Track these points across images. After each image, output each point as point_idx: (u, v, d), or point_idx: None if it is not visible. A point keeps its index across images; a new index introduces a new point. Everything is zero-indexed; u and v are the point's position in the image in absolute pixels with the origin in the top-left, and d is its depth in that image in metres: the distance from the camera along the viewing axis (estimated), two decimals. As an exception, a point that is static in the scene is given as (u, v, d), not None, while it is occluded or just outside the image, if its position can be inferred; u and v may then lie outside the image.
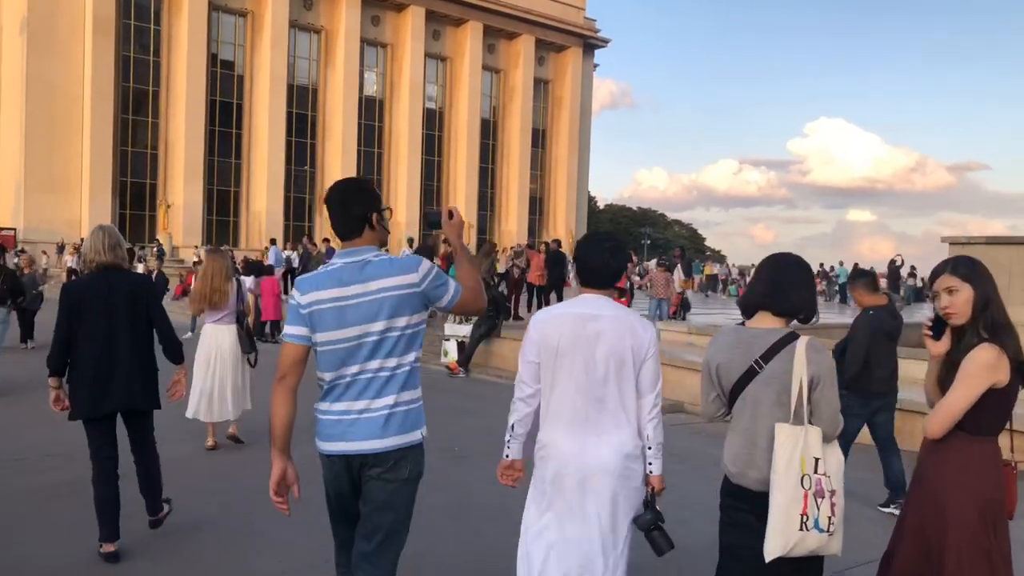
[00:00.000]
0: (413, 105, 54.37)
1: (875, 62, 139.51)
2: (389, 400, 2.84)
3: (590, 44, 63.95)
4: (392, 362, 2.85)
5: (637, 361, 2.97)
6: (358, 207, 2.91)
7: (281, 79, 49.31)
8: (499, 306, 13.71)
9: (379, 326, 2.82)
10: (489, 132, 59.31)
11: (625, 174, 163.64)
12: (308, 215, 51.95)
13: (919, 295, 31.71)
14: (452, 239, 3.05)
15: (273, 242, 24.38)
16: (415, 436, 2.90)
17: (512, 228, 58.45)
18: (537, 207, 61.88)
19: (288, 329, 2.92)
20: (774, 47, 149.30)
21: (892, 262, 32.23)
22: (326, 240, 25.41)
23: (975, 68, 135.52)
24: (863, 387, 6.17)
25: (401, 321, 2.85)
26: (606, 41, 65.47)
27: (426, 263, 2.91)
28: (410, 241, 24.99)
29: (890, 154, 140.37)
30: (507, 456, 3.19)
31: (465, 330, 13.67)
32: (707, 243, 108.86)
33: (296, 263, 22.39)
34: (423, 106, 55.50)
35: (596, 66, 66.74)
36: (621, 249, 3.14)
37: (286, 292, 22.06)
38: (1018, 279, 10.87)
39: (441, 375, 13.14)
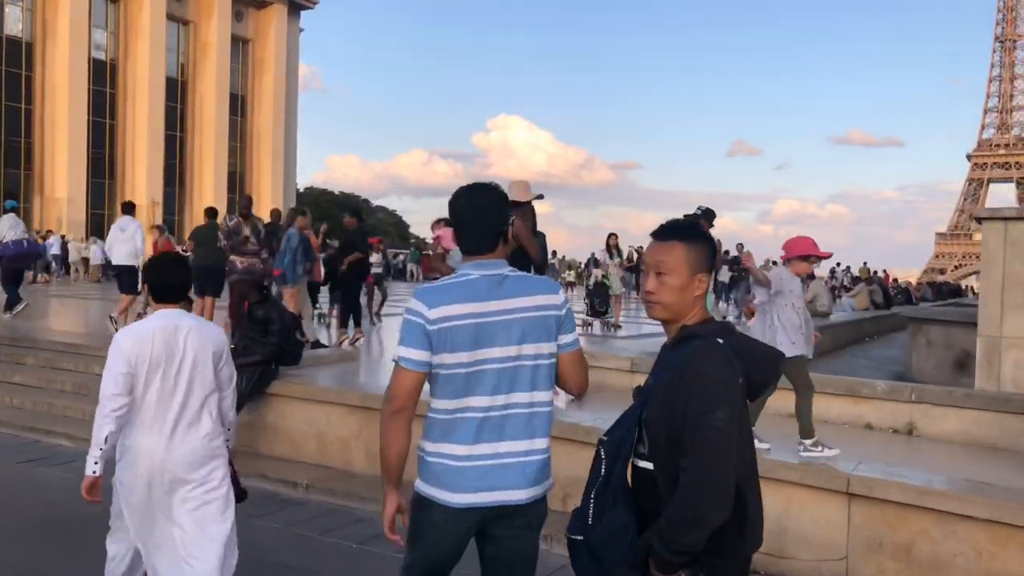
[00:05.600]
0: (76, 52, 44.47)
1: (547, 62, 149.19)
2: (540, 443, 2.51)
3: (296, 3, 56.94)
4: (541, 396, 2.51)
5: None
6: (498, 220, 2.52)
7: None
8: (287, 333, 7.11)
9: (528, 349, 2.46)
10: (177, 94, 50.44)
11: (317, 159, 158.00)
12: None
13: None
14: None
15: None
16: (550, 481, 2.59)
17: (208, 206, 49.81)
18: (237, 183, 53.62)
19: (405, 351, 2.44)
20: (461, 40, 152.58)
21: (606, 242, 30.37)
22: None
23: (633, 75, 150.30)
24: None
25: (546, 347, 2.50)
26: (314, 2, 58.84)
27: (561, 288, 2.61)
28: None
29: (563, 151, 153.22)
30: None
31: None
32: (411, 231, 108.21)
33: None
34: (89, 55, 45.59)
35: (302, 30, 59.90)
36: None
37: None
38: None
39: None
